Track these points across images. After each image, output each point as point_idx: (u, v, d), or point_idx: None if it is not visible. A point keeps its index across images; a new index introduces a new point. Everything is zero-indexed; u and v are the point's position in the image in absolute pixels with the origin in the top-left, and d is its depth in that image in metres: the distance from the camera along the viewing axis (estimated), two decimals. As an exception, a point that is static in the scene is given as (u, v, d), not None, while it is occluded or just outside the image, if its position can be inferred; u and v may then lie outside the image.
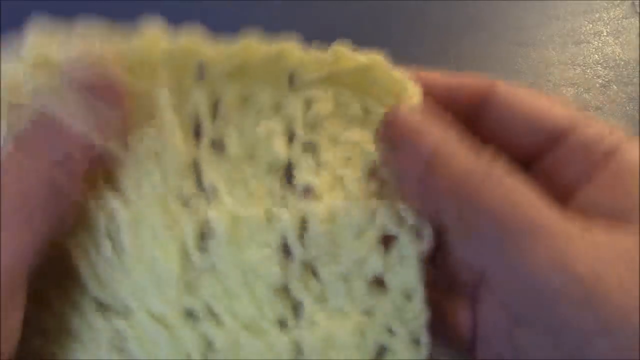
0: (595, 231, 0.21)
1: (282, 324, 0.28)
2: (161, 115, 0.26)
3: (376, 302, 0.27)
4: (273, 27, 0.27)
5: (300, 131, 0.28)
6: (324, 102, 0.28)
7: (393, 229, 0.27)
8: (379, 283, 0.27)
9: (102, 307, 0.28)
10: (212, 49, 0.27)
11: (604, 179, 0.24)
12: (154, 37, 0.25)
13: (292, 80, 0.28)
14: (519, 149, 0.25)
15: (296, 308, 0.28)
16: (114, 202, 0.27)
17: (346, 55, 0.27)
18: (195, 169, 0.27)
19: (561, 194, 0.24)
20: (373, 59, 0.26)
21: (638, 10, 0.55)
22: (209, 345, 0.28)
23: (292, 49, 0.26)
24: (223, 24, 0.27)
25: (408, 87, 0.26)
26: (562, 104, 0.25)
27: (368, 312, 0.28)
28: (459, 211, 0.23)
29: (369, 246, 0.28)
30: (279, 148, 0.28)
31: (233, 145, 0.28)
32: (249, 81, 0.28)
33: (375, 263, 0.27)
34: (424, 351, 0.26)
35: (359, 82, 0.28)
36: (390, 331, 0.27)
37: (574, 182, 0.24)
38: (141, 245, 0.27)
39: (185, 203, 0.27)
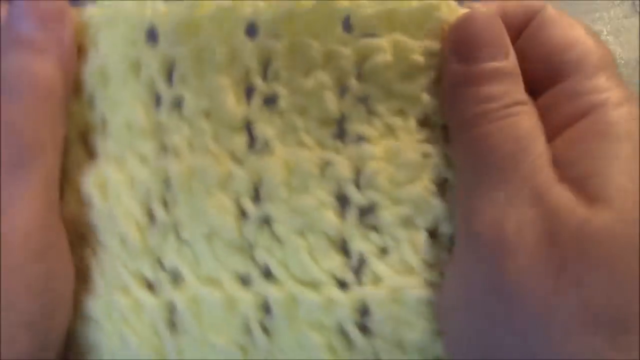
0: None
1: (341, 282, 0.27)
2: (213, 76, 0.27)
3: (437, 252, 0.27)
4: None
5: (353, 83, 0.27)
6: (382, 53, 0.27)
7: (445, 172, 0.27)
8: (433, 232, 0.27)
9: (148, 283, 0.28)
10: (259, 3, 0.27)
11: (571, 133, 0.24)
12: None
13: (346, 27, 0.27)
14: (534, 74, 0.26)
15: (359, 263, 0.27)
16: (165, 160, 0.28)
17: None
18: (247, 126, 0.28)
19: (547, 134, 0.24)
20: None
21: (638, 10, 0.56)
22: (265, 307, 0.27)
23: None
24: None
25: None
26: (593, 43, 0.25)
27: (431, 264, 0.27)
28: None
29: (426, 189, 0.27)
30: (330, 102, 0.27)
31: (284, 100, 0.27)
32: (299, 31, 0.27)
33: (436, 207, 0.27)
34: None
35: (419, 24, 0.27)
36: None
37: (556, 128, 0.24)
38: (194, 202, 0.27)
39: (238, 160, 0.28)
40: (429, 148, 0.27)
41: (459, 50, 0.26)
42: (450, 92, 0.26)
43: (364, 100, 0.28)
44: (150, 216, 0.29)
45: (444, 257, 0.27)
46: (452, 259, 0.26)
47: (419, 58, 0.27)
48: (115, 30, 0.28)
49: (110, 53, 0.28)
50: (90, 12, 0.29)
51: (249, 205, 0.27)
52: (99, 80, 0.29)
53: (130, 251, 0.28)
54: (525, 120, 0.24)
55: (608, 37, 0.58)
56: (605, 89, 0.24)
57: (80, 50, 0.29)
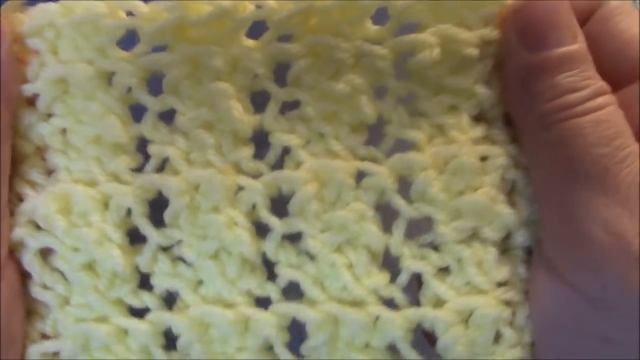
0: None
1: (387, 300, 0.25)
2: (212, 83, 0.25)
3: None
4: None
5: (393, 83, 0.25)
6: (428, 49, 0.24)
7: (511, 174, 0.25)
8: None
9: (129, 309, 0.27)
10: (265, 3, 0.24)
11: None
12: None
13: (377, 19, 0.25)
14: (607, 71, 0.24)
15: (411, 282, 0.25)
16: (151, 177, 0.25)
17: None
18: (258, 136, 0.25)
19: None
20: None
21: (638, 8, 0.56)
22: (290, 328, 0.26)
23: None
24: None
25: None
26: None
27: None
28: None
29: (490, 196, 0.24)
30: (366, 106, 0.25)
31: (309, 106, 0.25)
32: (320, 30, 0.25)
33: (505, 215, 0.24)
34: None
35: (472, 9, 0.24)
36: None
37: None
38: (199, 219, 0.25)
39: (245, 171, 0.25)
40: (487, 149, 0.25)
41: (525, 36, 0.23)
42: (520, 85, 0.23)
43: (407, 100, 0.25)
44: (132, 238, 0.26)
45: (521, 272, 0.25)
46: (543, 270, 0.24)
47: (473, 50, 0.24)
48: (79, 35, 0.25)
49: (72, 61, 0.25)
50: (43, 12, 0.25)
51: (272, 220, 0.25)
52: (59, 89, 0.26)
53: (107, 278, 0.26)
54: (612, 115, 0.23)
55: (608, 35, 0.58)
56: None
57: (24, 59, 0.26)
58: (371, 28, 0.25)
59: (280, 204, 0.26)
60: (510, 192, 0.25)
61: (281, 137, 0.25)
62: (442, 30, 0.24)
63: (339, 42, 0.24)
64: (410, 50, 0.25)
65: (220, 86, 0.24)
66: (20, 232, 0.26)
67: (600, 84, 0.23)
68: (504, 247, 0.25)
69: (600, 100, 0.23)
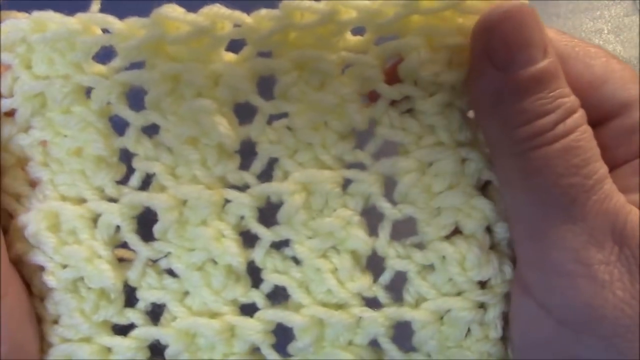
0: None
1: (370, 300, 0.26)
2: (193, 99, 0.25)
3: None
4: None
5: (384, 88, 0.25)
6: (415, 51, 0.24)
7: (487, 174, 0.25)
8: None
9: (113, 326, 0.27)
10: (248, 17, 0.24)
11: (633, 166, 0.23)
12: (169, 14, 0.23)
13: (355, 31, 0.25)
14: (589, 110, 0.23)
15: (395, 281, 0.26)
16: (136, 194, 0.26)
17: None
18: (243, 145, 0.26)
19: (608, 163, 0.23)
20: None
21: (639, 8, 0.55)
22: (276, 332, 0.26)
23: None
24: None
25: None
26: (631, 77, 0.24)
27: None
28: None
29: (467, 193, 0.25)
30: (356, 113, 0.25)
31: (297, 117, 0.25)
32: (301, 44, 0.25)
33: (483, 206, 0.25)
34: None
35: (444, 20, 0.24)
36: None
37: (617, 160, 0.24)
38: (187, 232, 0.26)
39: (232, 184, 0.26)
40: (468, 152, 0.25)
41: (493, 54, 0.22)
42: (489, 105, 0.23)
43: (401, 101, 0.26)
44: (121, 253, 0.27)
45: (506, 271, 0.26)
46: (520, 290, 0.25)
47: (460, 39, 0.24)
48: (53, 50, 0.25)
49: (47, 76, 0.25)
50: (13, 28, 0.25)
51: (260, 231, 0.26)
52: (36, 103, 0.26)
53: (93, 301, 0.26)
54: (582, 138, 0.22)
55: (609, 36, 0.58)
56: None
57: None
58: (352, 39, 0.25)
59: (266, 210, 0.26)
60: (484, 188, 0.26)
61: (268, 148, 0.26)
62: (425, 28, 0.24)
63: (323, 54, 0.24)
64: (396, 55, 0.25)
65: (203, 103, 0.25)
66: (20, 248, 0.26)
67: (570, 102, 0.22)
68: (491, 243, 0.26)
69: (570, 122, 0.22)
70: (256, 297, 0.26)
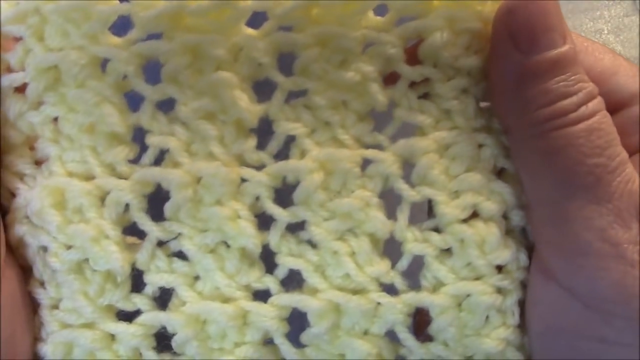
0: None
1: (388, 286, 0.25)
2: (215, 74, 0.24)
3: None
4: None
5: (405, 69, 0.25)
6: (438, 31, 0.24)
7: (502, 162, 0.25)
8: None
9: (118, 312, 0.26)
10: None
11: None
12: None
13: (378, 12, 0.25)
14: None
15: (413, 266, 0.26)
16: (149, 169, 0.25)
17: None
18: (260, 125, 0.25)
19: None
20: None
21: (639, 8, 0.56)
22: (290, 318, 0.25)
23: None
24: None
25: None
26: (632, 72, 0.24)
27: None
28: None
29: (485, 177, 0.25)
30: (377, 93, 0.25)
31: (317, 95, 0.25)
32: (323, 20, 0.24)
33: (502, 190, 0.25)
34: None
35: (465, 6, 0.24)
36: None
37: (628, 149, 0.24)
38: (201, 212, 0.25)
39: (249, 163, 0.25)
40: (484, 138, 0.25)
41: (518, 38, 0.23)
42: (512, 88, 0.23)
43: (419, 84, 0.25)
44: (130, 234, 0.26)
45: (522, 259, 0.25)
46: (540, 275, 0.25)
47: (480, 25, 0.24)
48: (68, 21, 0.24)
49: (62, 48, 0.24)
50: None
51: (277, 211, 0.25)
52: (50, 77, 0.25)
53: (98, 284, 0.25)
54: (604, 121, 0.23)
55: (609, 36, 0.58)
56: None
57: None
58: (373, 19, 0.25)
59: (281, 192, 0.26)
60: (499, 175, 0.26)
61: (286, 126, 0.25)
62: (447, 11, 0.24)
63: (345, 31, 0.24)
64: (417, 36, 0.25)
65: (224, 76, 0.24)
66: (21, 229, 0.25)
67: (590, 86, 0.23)
68: (506, 229, 0.26)
69: (591, 105, 0.23)
70: (270, 282, 0.26)
